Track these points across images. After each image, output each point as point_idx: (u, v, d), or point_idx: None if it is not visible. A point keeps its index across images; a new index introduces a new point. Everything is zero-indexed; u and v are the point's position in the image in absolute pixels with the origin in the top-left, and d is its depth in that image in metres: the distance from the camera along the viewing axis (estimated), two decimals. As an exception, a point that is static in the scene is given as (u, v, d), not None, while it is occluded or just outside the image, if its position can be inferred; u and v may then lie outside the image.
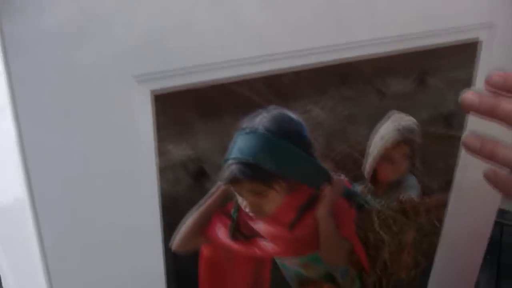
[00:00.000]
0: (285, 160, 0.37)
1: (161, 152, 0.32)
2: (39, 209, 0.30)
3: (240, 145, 0.34)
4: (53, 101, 0.27)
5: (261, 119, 0.34)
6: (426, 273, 0.51)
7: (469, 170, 0.46)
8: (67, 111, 0.28)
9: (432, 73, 0.39)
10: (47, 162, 0.29)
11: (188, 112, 0.32)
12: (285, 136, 0.36)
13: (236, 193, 0.36)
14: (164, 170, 0.33)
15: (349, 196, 0.41)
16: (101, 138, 0.30)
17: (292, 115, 0.35)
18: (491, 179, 0.32)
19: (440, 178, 0.45)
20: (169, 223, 0.35)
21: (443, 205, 0.47)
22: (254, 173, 0.36)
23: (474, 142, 0.32)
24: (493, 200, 0.50)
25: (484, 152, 0.31)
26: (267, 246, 0.39)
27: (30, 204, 0.30)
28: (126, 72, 0.29)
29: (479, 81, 0.41)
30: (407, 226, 0.46)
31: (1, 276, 0.50)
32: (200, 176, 0.35)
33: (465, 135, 0.32)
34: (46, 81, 0.27)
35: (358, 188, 0.41)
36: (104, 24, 0.27)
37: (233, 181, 0.36)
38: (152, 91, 0.30)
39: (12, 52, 0.26)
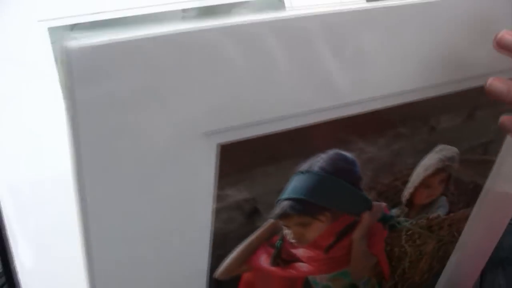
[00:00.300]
0: (334, 195, 0.37)
1: (219, 196, 0.31)
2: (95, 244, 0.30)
3: (294, 184, 0.34)
4: (121, 157, 0.26)
5: (317, 161, 0.34)
6: (437, 274, 0.53)
7: (495, 187, 0.46)
8: (135, 165, 0.27)
9: (482, 107, 0.39)
10: (110, 207, 0.28)
11: (249, 159, 0.31)
12: (338, 174, 0.35)
13: (283, 226, 0.36)
14: (220, 211, 0.32)
15: (385, 219, 0.42)
16: (163, 186, 0.29)
17: (347, 154, 0.35)
18: (508, 127, 0.32)
19: (467, 197, 0.46)
20: (217, 256, 0.35)
21: (465, 219, 0.48)
22: (304, 208, 0.36)
23: (501, 86, 0.31)
24: (509, 208, 0.51)
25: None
26: (303, 267, 0.40)
27: (86, 244, 0.29)
28: (197, 130, 0.27)
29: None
30: (430, 239, 0.47)
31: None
32: (252, 214, 0.34)
33: (491, 79, 0.31)
34: (116, 141, 0.26)
35: (394, 211, 0.42)
36: (180, 89, 0.25)
37: (283, 216, 0.35)
38: (218, 144, 0.29)
39: (82, 118, 0.24)
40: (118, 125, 0.25)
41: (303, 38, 0.27)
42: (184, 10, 0.63)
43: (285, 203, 0.35)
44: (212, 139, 0.28)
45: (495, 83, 0.31)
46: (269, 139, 0.30)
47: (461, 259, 0.53)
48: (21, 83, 0.53)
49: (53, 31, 0.54)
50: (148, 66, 0.24)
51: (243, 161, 0.31)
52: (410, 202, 0.42)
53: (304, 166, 0.33)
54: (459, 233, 0.49)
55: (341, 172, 0.35)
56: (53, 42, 0.55)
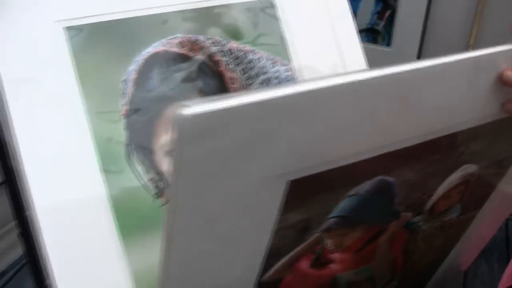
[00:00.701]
0: (372, 212, 0.41)
1: (280, 220, 0.35)
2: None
3: (341, 205, 0.38)
4: (210, 201, 0.30)
5: (363, 186, 0.38)
6: (439, 262, 0.59)
7: (502, 190, 0.51)
8: (219, 202, 0.31)
9: (504, 133, 0.43)
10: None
11: (310, 189, 0.35)
12: (378, 195, 0.39)
13: (325, 237, 0.41)
14: (277, 231, 0.36)
15: (408, 225, 0.46)
16: (237, 216, 0.33)
17: (389, 178, 0.39)
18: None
19: (478, 202, 0.51)
20: (268, 265, 0.39)
21: (472, 218, 0.53)
22: (346, 223, 0.40)
23: None
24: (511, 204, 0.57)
25: None
26: (335, 267, 0.45)
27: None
28: (277, 173, 0.31)
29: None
30: (440, 237, 0.52)
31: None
32: (303, 231, 0.38)
33: (506, 71, 0.36)
34: (207, 184, 0.29)
35: (416, 218, 0.46)
36: (270, 143, 0.29)
37: (328, 230, 0.40)
38: (289, 180, 0.32)
39: (185, 170, 0.27)
40: (211, 173, 0.28)
41: (378, 94, 0.30)
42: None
43: (332, 220, 0.39)
44: (285, 177, 0.32)
45: (509, 73, 0.37)
46: (330, 172, 0.34)
47: (462, 249, 0.58)
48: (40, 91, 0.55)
49: (68, 30, 0.56)
50: (247, 127, 0.27)
51: (305, 191, 0.34)
52: (431, 210, 0.46)
53: (352, 191, 0.37)
54: (465, 229, 0.54)
55: (381, 194, 0.39)
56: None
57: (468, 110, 0.37)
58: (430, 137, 0.36)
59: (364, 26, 1.42)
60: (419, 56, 1.41)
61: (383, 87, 0.30)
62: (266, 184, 0.31)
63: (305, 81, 0.27)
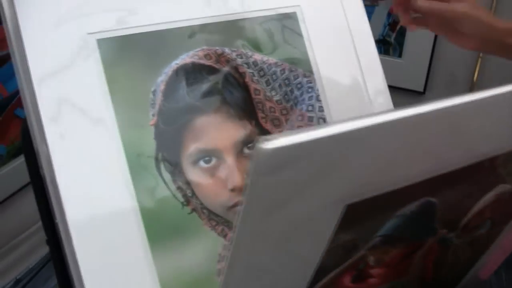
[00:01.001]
0: (414, 230, 0.43)
1: (332, 240, 0.37)
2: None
3: (388, 225, 0.40)
4: (274, 225, 0.32)
5: (410, 207, 0.40)
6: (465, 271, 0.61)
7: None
8: (281, 226, 0.33)
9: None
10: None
11: (362, 211, 0.37)
12: (422, 214, 0.41)
13: (369, 254, 0.43)
14: (328, 250, 0.38)
15: (442, 241, 0.48)
16: (295, 238, 0.35)
17: (433, 199, 0.41)
18: None
19: (507, 218, 0.53)
20: (316, 280, 0.41)
21: (500, 232, 0.55)
22: (390, 241, 0.42)
23: None
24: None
25: None
26: (373, 281, 0.47)
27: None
28: (337, 198, 0.33)
29: None
30: (469, 250, 0.54)
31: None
32: (351, 249, 0.40)
33: None
34: (274, 214, 0.31)
35: (451, 234, 0.48)
36: (339, 171, 0.31)
37: (373, 248, 0.42)
38: (346, 204, 0.34)
39: (255, 195, 0.29)
40: (279, 201, 0.31)
41: (434, 125, 0.33)
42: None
43: (378, 239, 0.41)
44: (344, 202, 0.34)
45: None
46: (383, 196, 0.36)
47: (487, 260, 0.60)
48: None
49: (101, 42, 0.58)
50: (318, 158, 0.29)
51: (358, 213, 0.36)
52: (465, 227, 0.48)
53: (399, 211, 0.40)
54: (492, 242, 0.57)
55: (424, 213, 0.42)
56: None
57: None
58: (475, 160, 0.38)
59: (376, 37, 1.44)
60: (430, 68, 1.42)
61: (439, 118, 0.32)
62: (326, 209, 0.33)
63: (369, 115, 0.29)
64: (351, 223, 0.36)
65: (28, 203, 1.04)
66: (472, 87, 1.36)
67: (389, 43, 1.43)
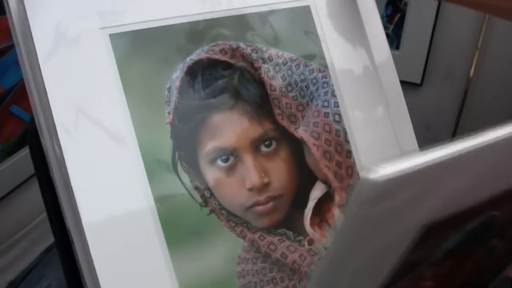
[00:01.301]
0: (474, 243, 0.41)
1: (403, 259, 0.35)
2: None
3: (450, 240, 0.38)
4: (364, 250, 0.30)
5: (473, 222, 0.38)
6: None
7: None
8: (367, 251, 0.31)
9: None
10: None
11: (436, 229, 0.35)
12: (483, 228, 0.40)
13: (428, 269, 0.41)
14: (395, 269, 0.36)
15: (490, 249, 0.47)
16: (375, 259, 0.33)
17: (495, 212, 0.39)
18: None
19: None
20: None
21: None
22: (450, 256, 0.40)
23: None
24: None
25: None
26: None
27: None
28: (423, 222, 0.31)
29: None
30: (506, 255, 0.53)
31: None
32: (415, 265, 0.38)
33: None
34: (366, 239, 0.29)
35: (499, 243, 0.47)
36: (431, 195, 0.29)
37: (433, 263, 0.40)
38: (424, 225, 0.33)
39: (355, 227, 0.27)
40: (374, 227, 0.29)
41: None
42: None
43: (440, 254, 0.39)
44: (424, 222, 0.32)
45: None
46: (457, 214, 0.34)
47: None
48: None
49: (113, 37, 0.57)
50: (419, 185, 0.27)
51: (432, 231, 0.35)
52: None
53: (465, 226, 0.38)
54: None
55: (485, 226, 0.40)
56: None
57: None
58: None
59: (374, 30, 1.43)
60: (427, 60, 1.41)
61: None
62: (408, 231, 0.31)
63: (471, 137, 0.27)
64: (425, 242, 0.34)
65: (22, 204, 1.01)
66: (469, 80, 1.36)
67: (386, 35, 1.41)
